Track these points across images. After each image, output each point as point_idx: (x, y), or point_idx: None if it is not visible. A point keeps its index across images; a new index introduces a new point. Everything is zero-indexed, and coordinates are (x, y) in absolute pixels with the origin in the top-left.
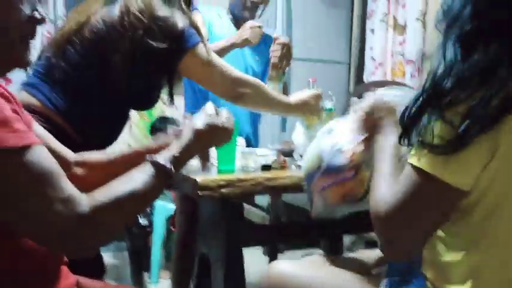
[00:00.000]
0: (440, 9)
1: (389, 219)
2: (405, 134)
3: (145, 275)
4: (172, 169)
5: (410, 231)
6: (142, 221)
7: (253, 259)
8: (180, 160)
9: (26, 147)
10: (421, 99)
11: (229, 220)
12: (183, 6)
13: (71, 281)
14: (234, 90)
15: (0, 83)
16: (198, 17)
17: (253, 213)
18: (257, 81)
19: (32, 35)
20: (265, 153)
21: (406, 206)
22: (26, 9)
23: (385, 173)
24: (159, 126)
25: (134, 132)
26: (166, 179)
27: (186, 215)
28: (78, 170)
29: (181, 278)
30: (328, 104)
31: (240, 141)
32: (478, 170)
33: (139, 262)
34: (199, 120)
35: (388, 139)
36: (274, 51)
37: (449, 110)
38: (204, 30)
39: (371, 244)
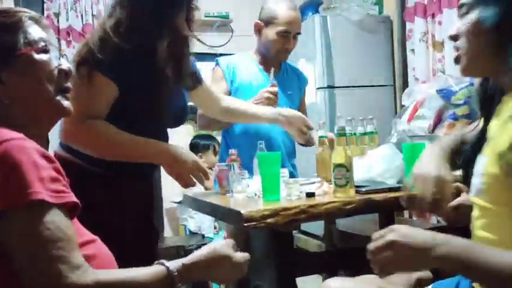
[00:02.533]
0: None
1: None
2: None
3: None
4: (176, 274)
5: None
6: None
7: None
8: (186, 270)
9: (55, 206)
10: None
11: (279, 250)
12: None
13: None
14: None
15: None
16: (218, 72)
17: (309, 242)
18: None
19: (65, 85)
20: (309, 182)
21: None
22: (54, 62)
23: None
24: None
25: None
26: (168, 282)
27: (239, 248)
28: None
29: None
30: (369, 127)
31: (284, 171)
32: None
33: None
34: (220, 245)
35: (458, 244)
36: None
37: None
38: (223, 84)
39: None
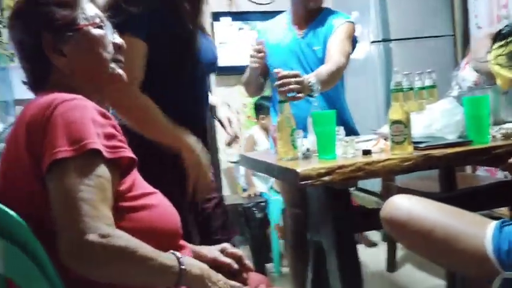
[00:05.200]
0: None
1: None
2: None
3: (269, 266)
4: (183, 268)
5: None
6: (258, 214)
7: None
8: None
9: (106, 162)
10: None
11: (335, 207)
12: None
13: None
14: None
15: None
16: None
17: (367, 199)
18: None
19: (119, 57)
20: (366, 139)
21: None
22: (109, 35)
23: None
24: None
25: None
26: (176, 271)
27: (295, 206)
28: None
29: (298, 267)
30: (428, 81)
31: (339, 129)
32: None
33: (261, 254)
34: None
35: None
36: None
37: None
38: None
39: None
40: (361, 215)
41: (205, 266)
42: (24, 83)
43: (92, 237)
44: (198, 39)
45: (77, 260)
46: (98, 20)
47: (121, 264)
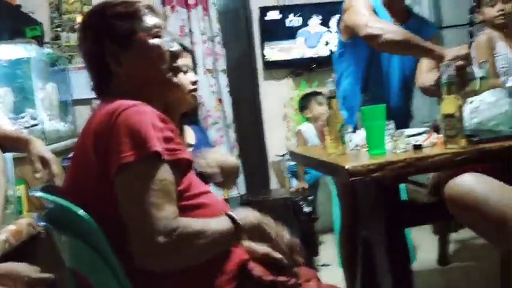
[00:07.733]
0: None
1: None
2: None
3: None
4: (239, 223)
5: None
6: (307, 208)
7: (422, 239)
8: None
9: (166, 163)
10: None
11: (384, 203)
12: None
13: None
14: None
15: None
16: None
17: (418, 192)
18: None
19: (174, 65)
20: (417, 132)
21: None
22: (166, 46)
23: None
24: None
25: None
26: (234, 231)
27: (346, 200)
28: None
29: (348, 262)
30: (480, 72)
31: (390, 124)
32: None
33: (310, 247)
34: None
35: None
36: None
37: None
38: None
39: None
40: (411, 210)
41: (257, 214)
42: (92, 89)
43: (162, 238)
44: None
45: (151, 258)
46: (155, 30)
47: (192, 249)
